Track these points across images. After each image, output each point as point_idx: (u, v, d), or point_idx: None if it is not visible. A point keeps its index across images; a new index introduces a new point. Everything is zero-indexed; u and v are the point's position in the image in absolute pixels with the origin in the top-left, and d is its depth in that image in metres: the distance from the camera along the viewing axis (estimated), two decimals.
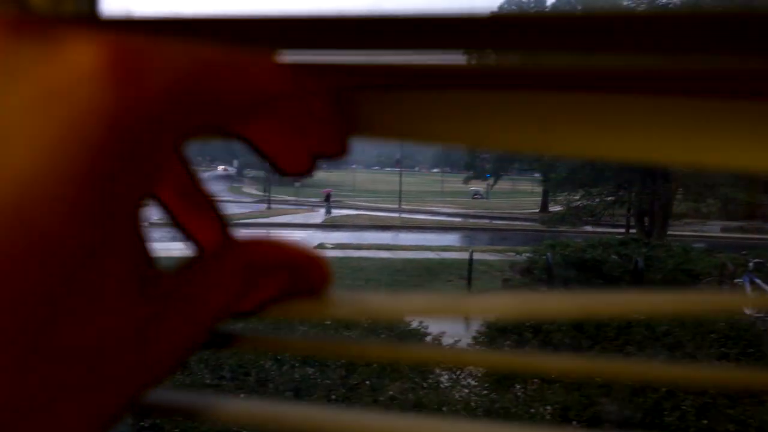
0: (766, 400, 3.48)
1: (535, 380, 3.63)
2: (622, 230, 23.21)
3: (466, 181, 57.02)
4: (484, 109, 0.23)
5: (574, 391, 3.43)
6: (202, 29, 0.22)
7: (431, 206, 57.10)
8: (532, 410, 3.12)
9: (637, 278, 9.14)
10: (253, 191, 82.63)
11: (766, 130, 0.17)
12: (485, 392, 3.93)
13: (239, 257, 0.23)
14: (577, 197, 22.76)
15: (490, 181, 59.09)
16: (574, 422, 3.12)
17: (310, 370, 3.70)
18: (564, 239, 12.53)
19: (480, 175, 56.29)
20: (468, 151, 54.72)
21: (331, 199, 46.74)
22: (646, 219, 22.22)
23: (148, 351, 0.19)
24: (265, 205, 47.69)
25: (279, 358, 3.88)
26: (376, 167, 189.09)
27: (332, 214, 40.27)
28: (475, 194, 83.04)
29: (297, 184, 64.67)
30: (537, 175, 52.86)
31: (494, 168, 54.69)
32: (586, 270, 9.97)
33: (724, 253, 11.04)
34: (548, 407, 3.18)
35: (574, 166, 21.15)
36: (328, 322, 5.26)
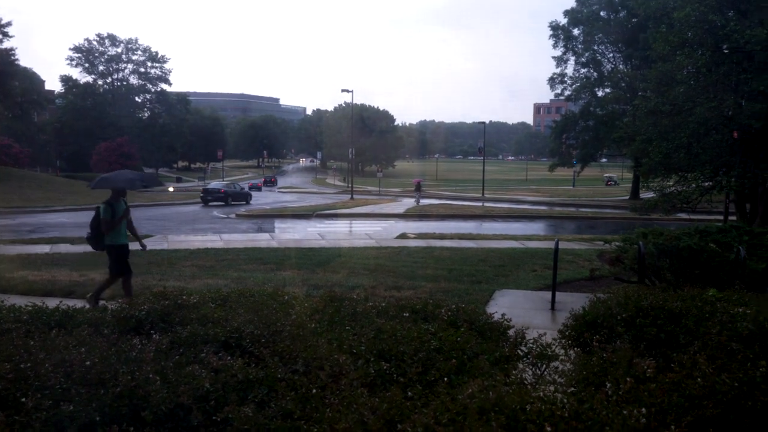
0: None
1: (629, 378, 3.35)
2: (720, 217, 21.93)
3: (552, 168, 55.62)
4: None
5: (673, 392, 3.14)
6: None
7: (515, 194, 56.11)
8: (625, 412, 2.85)
9: (738, 268, 8.49)
10: (337, 182, 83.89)
11: None
12: (572, 390, 3.68)
13: None
14: (671, 183, 21.68)
15: (577, 168, 57.34)
16: (672, 427, 2.84)
17: (386, 365, 3.57)
18: (657, 227, 11.86)
19: (566, 162, 54.78)
20: (554, 137, 53.13)
21: (422, 188, 46.98)
22: (747, 205, 20.90)
23: None
24: (348, 196, 48.36)
25: (354, 351, 3.78)
26: (459, 156, 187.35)
27: (421, 203, 40.63)
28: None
29: (379, 174, 65.16)
30: (627, 160, 50.75)
31: (581, 154, 53.08)
32: (682, 260, 9.36)
33: None
34: (643, 409, 2.91)
35: (668, 150, 20.05)
36: (406, 314, 5.13)
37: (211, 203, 41.56)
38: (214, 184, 46.84)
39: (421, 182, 50.85)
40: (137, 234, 9.70)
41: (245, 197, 44.52)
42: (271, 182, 77.27)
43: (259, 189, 63.74)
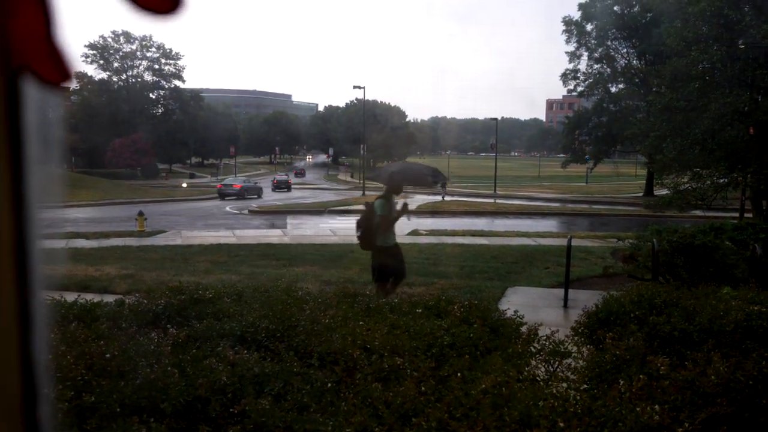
0: None
1: (642, 376, 3.36)
2: (736, 214, 21.76)
3: (565, 165, 55.34)
4: None
5: (687, 389, 3.15)
6: None
7: (528, 191, 55.90)
8: (638, 409, 2.87)
9: (754, 266, 8.44)
10: (348, 178, 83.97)
11: None
12: (585, 387, 3.70)
13: None
14: (686, 180, 21.51)
15: (590, 164, 57.04)
16: (686, 424, 2.85)
17: (399, 360, 3.60)
18: (671, 224, 11.81)
19: (579, 159, 54.48)
20: (567, 133, 52.82)
21: (446, 186, 47.15)
22: (763, 202, 20.71)
23: None
24: (360, 192, 48.38)
25: (368, 346, 3.81)
26: (471, 153, 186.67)
27: (446, 200, 40.91)
28: None
29: None
30: (641, 157, 50.48)
31: (594, 151, 52.76)
32: (696, 257, 9.32)
33: None
34: (656, 406, 2.92)
35: (682, 147, 19.91)
36: (419, 311, 5.17)
37: (227, 198, 43.02)
38: (232, 180, 50.04)
39: (446, 180, 51.08)
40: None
41: (258, 191, 46.69)
42: (301, 173, 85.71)
43: (288, 186, 58.88)
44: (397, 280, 8.54)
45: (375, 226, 8.25)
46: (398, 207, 8.52)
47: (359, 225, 8.55)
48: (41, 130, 0.49)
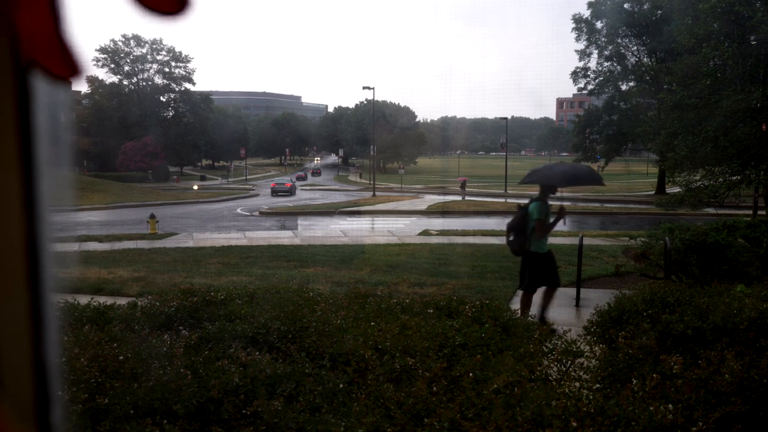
0: None
1: (655, 375, 3.34)
2: (749, 212, 21.57)
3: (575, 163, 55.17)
4: None
5: (700, 388, 3.13)
6: None
7: (539, 190, 55.62)
8: (651, 408, 2.86)
9: (767, 264, 8.38)
10: (359, 179, 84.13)
11: None
12: (598, 387, 3.69)
13: None
14: (698, 177, 21.36)
15: (601, 162, 56.79)
16: (700, 423, 2.83)
17: (411, 360, 3.60)
18: (683, 222, 11.72)
19: (590, 157, 54.24)
20: (577, 132, 52.60)
21: (466, 186, 47.22)
22: None
23: None
24: (370, 193, 48.44)
25: (380, 347, 3.82)
26: (481, 152, 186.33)
27: (467, 199, 41.02)
28: None
29: (401, 171, 65.16)
30: (652, 155, 50.18)
31: (605, 149, 52.52)
32: (709, 255, 9.25)
33: None
34: (670, 406, 2.90)
35: (694, 144, 19.77)
36: (430, 311, 5.16)
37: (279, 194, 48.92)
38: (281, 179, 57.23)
39: (466, 180, 51.12)
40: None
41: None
42: (317, 173, 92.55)
43: (305, 178, 76.29)
44: (551, 290, 8.00)
45: (529, 231, 7.86)
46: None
47: (511, 228, 8.09)
48: (52, 130, 0.50)
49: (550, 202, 8.24)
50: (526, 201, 8.39)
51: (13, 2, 0.36)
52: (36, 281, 0.50)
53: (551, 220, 8.07)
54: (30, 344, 0.50)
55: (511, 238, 8.06)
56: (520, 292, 10.41)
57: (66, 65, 0.41)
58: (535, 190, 8.54)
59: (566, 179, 8.42)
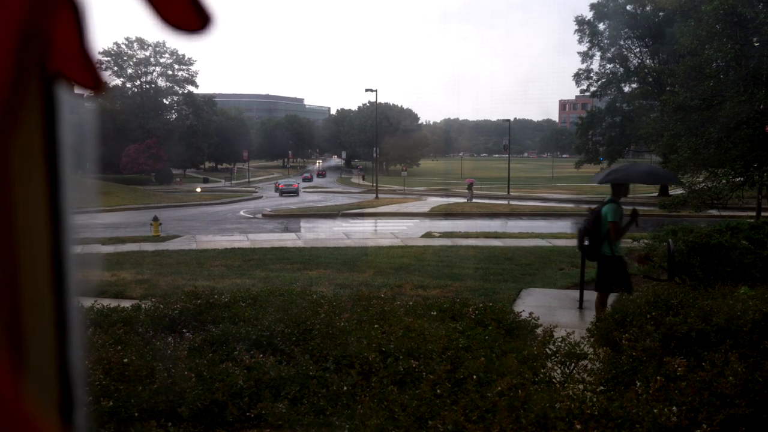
0: None
1: (659, 377, 3.34)
2: (753, 214, 21.52)
3: (578, 165, 55.05)
4: None
5: (704, 390, 3.13)
6: None
7: (541, 192, 55.66)
8: (655, 411, 2.86)
9: None
10: (361, 181, 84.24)
11: None
12: (602, 389, 3.68)
13: None
14: (701, 179, 21.31)
15: (604, 164, 56.72)
16: (704, 425, 2.83)
17: (415, 363, 3.60)
18: (686, 224, 11.71)
19: (593, 159, 54.20)
20: (581, 134, 52.64)
21: (473, 188, 47.21)
22: None
23: None
24: (373, 195, 48.43)
25: (383, 350, 3.82)
26: (484, 154, 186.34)
27: (473, 201, 41.00)
28: None
29: (404, 173, 65.17)
30: (655, 157, 50.12)
31: (608, 151, 52.46)
32: (712, 257, 9.24)
33: None
34: (674, 408, 2.90)
35: (697, 146, 19.75)
36: (434, 313, 5.17)
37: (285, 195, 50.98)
38: (287, 180, 60.90)
39: (473, 182, 51.11)
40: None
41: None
42: (322, 175, 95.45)
43: (311, 179, 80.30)
44: (620, 295, 7.94)
45: (603, 234, 7.63)
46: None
47: (584, 232, 7.85)
48: (76, 139, 0.51)
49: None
50: (594, 205, 8.18)
51: (48, 16, 0.37)
52: (60, 286, 0.51)
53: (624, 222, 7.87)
54: (55, 348, 0.51)
55: (585, 242, 7.86)
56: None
57: (90, 77, 0.42)
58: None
59: (652, 176, 8.53)
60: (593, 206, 8.01)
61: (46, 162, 0.46)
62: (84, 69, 0.42)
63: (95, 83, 0.42)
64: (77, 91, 0.44)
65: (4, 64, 0.36)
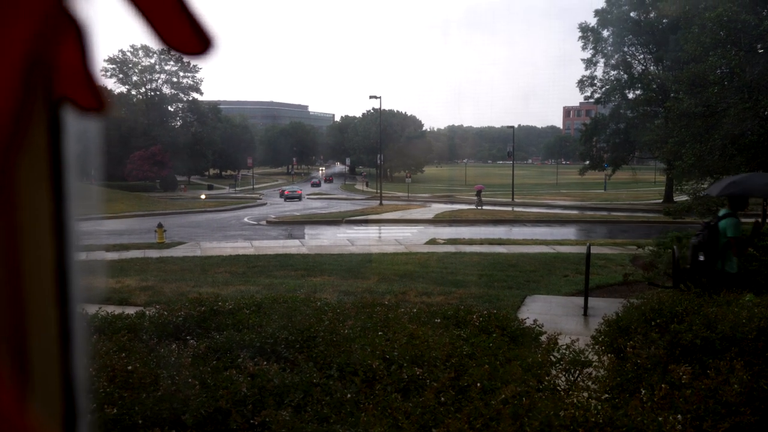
0: None
1: (664, 385, 3.33)
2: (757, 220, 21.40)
3: (582, 172, 55.04)
4: None
5: (709, 398, 3.11)
6: None
7: (545, 199, 55.63)
8: (660, 419, 2.85)
9: None
10: (365, 188, 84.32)
11: None
12: (606, 397, 3.67)
13: None
14: (706, 185, 21.27)
15: (608, 171, 56.69)
16: None
17: (419, 370, 3.60)
18: (691, 231, 11.69)
19: (597, 165, 54.18)
20: (584, 140, 52.63)
21: (482, 194, 47.20)
22: None
23: None
24: (377, 202, 48.46)
25: (387, 357, 3.82)
26: (488, 161, 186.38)
27: (482, 208, 40.96)
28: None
29: (408, 180, 65.20)
30: (659, 163, 50.03)
31: (612, 158, 52.44)
32: None
33: None
34: (679, 416, 2.89)
35: (701, 152, 19.72)
36: (438, 320, 5.16)
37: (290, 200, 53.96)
38: (291, 186, 63.65)
39: (482, 189, 51.10)
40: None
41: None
42: (329, 180, 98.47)
43: (319, 185, 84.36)
44: None
45: (720, 249, 7.19)
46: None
47: (698, 248, 7.36)
48: (81, 148, 0.52)
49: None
50: (707, 221, 7.57)
51: (53, 42, 0.38)
52: (64, 294, 0.51)
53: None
54: (59, 356, 0.51)
55: (701, 258, 7.33)
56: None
57: (94, 99, 0.43)
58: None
59: (728, 189, 7.62)
60: (708, 220, 7.54)
61: (51, 177, 0.47)
62: (87, 91, 0.43)
63: (99, 105, 0.43)
64: (82, 112, 0.45)
65: (11, 90, 0.37)
